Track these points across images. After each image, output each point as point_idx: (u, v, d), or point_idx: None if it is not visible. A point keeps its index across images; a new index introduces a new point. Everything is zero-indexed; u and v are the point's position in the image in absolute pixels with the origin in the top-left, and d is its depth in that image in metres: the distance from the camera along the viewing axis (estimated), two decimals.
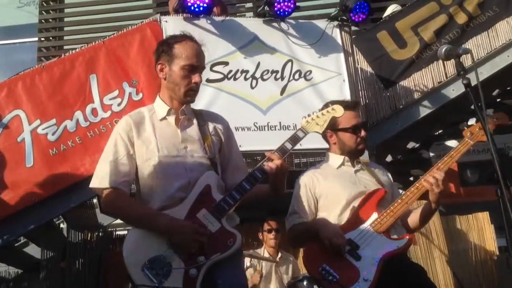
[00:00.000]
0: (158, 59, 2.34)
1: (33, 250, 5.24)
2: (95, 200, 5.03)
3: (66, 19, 7.36)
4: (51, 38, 7.20)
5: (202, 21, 4.36)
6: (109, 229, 5.24)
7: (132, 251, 2.10)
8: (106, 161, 2.24)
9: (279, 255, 4.61)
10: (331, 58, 4.57)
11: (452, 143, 5.82)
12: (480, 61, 4.83)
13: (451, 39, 4.84)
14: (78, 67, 4.12)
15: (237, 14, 6.38)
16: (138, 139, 2.27)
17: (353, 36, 4.80)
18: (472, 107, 2.30)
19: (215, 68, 4.30)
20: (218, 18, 4.46)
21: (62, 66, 4.11)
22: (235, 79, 4.36)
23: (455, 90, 4.76)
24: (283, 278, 4.49)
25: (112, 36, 4.31)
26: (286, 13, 4.44)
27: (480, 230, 5.44)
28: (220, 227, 2.14)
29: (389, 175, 2.98)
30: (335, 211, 2.70)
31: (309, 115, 2.45)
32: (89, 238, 4.86)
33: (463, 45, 4.81)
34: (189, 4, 4.20)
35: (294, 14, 4.53)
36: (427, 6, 4.94)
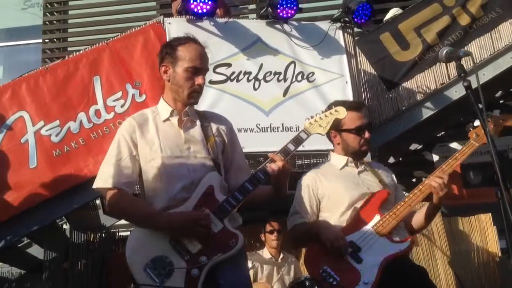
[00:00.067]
0: (161, 61, 2.35)
1: (36, 251, 5.25)
2: (98, 201, 5.05)
3: (70, 21, 7.36)
4: (55, 39, 7.20)
5: (205, 23, 4.37)
6: (112, 230, 5.24)
7: (134, 251, 2.12)
8: (110, 163, 2.25)
9: (281, 256, 4.61)
10: (333, 59, 4.58)
11: (455, 144, 5.80)
12: (483, 62, 4.82)
13: (454, 40, 4.82)
14: (81, 69, 4.13)
15: (240, 16, 6.38)
16: (142, 140, 2.28)
17: (356, 38, 4.80)
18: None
19: (218, 70, 4.30)
20: (221, 20, 4.47)
21: (66, 68, 4.13)
22: (238, 80, 4.37)
23: (457, 92, 4.74)
24: (285, 279, 4.48)
25: (115, 38, 4.33)
26: (289, 15, 4.45)
27: (483, 231, 5.42)
28: (223, 228, 2.15)
29: (393, 176, 2.96)
30: (337, 212, 2.69)
31: (312, 117, 2.45)
32: (92, 239, 4.85)
33: (466, 47, 4.81)
34: (192, 6, 4.21)
35: (296, 16, 4.53)
36: (430, 7, 4.92)
